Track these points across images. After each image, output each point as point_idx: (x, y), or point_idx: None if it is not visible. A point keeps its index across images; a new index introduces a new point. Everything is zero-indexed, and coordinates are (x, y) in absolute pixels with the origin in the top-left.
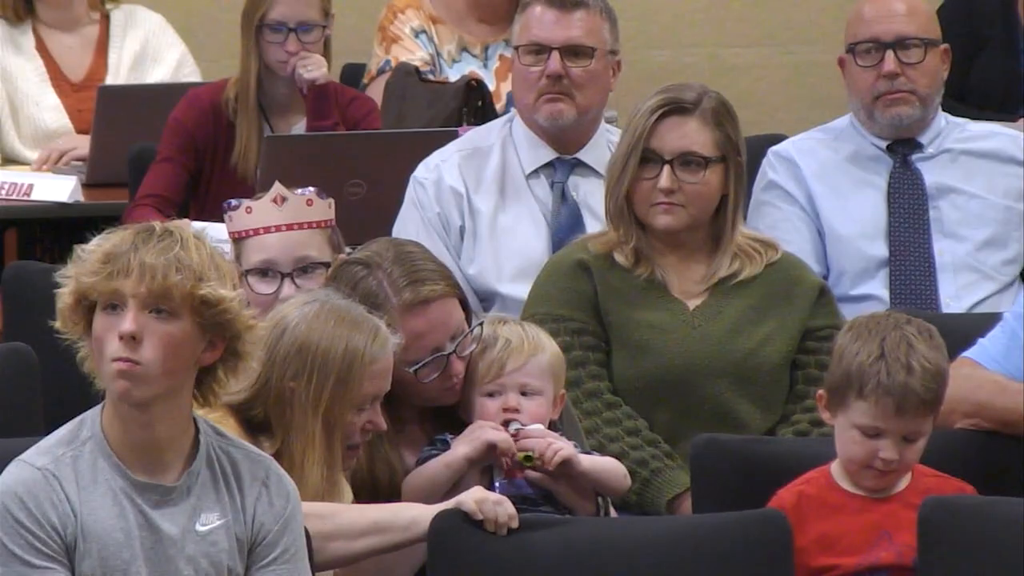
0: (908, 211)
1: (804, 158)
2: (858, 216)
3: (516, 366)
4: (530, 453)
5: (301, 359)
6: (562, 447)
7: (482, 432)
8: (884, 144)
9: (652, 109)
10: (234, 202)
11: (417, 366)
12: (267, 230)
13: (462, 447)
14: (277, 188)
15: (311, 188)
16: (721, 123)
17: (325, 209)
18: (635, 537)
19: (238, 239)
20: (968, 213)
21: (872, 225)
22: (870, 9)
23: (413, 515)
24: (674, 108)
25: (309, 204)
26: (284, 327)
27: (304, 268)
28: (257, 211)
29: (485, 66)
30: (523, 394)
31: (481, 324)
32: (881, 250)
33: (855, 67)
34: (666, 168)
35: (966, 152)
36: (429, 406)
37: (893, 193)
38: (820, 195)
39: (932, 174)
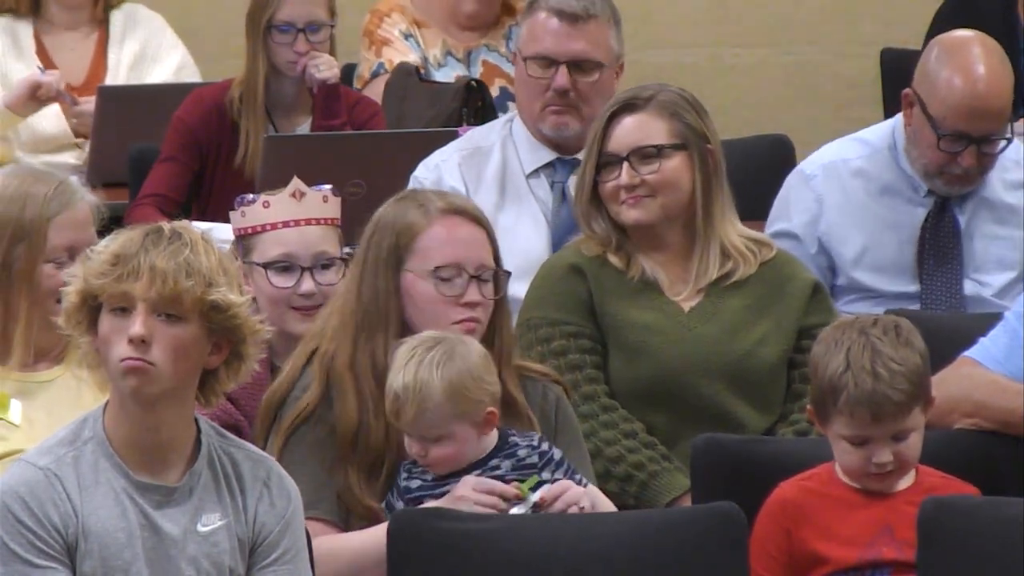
0: (940, 252)
1: (831, 191)
2: (881, 258)
3: (407, 420)
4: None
5: None
6: (577, 499)
7: (463, 503)
8: (925, 188)
9: (604, 113)
10: (248, 197)
11: (436, 266)
12: (286, 224)
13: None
14: (296, 183)
15: (327, 185)
16: (677, 113)
17: (336, 207)
18: (590, 533)
19: (252, 233)
20: (989, 256)
21: (893, 265)
22: (976, 103)
23: None
24: (624, 107)
25: (325, 201)
26: None
27: (323, 264)
28: (275, 206)
29: (469, 71)
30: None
31: (509, 273)
32: (902, 287)
33: (931, 138)
34: (624, 165)
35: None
36: None
37: (927, 235)
38: (839, 239)
39: (964, 216)
